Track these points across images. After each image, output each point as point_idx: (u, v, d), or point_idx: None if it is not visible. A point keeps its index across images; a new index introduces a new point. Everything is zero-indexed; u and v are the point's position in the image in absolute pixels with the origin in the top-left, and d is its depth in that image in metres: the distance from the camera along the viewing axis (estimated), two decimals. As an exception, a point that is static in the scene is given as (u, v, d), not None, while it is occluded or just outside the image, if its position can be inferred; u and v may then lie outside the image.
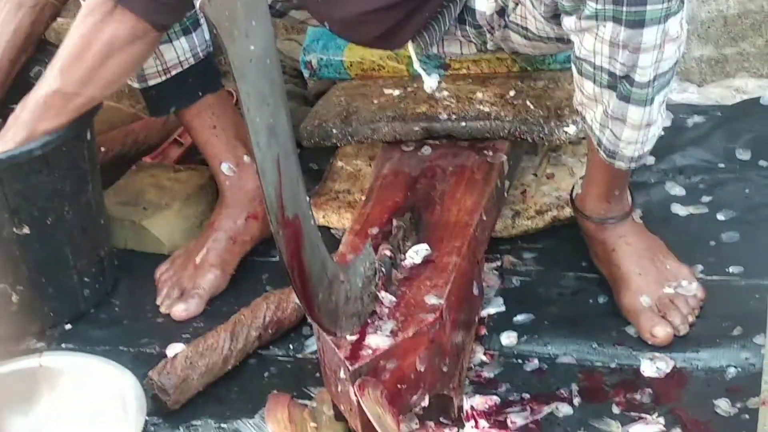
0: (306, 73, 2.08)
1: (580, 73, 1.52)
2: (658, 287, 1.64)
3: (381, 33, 1.65)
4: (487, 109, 1.79)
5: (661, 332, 1.59)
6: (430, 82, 1.80)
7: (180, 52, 1.73)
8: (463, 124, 1.80)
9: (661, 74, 1.47)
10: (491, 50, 1.74)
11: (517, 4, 1.59)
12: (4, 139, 1.63)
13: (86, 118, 1.72)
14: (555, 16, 1.53)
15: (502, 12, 1.61)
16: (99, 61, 1.60)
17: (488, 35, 1.67)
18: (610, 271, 1.69)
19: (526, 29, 1.62)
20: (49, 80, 1.62)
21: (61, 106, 1.62)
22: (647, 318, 1.61)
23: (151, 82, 1.76)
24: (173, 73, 1.75)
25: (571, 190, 1.75)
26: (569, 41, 1.62)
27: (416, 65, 1.77)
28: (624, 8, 1.38)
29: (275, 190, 1.16)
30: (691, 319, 1.62)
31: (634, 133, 1.53)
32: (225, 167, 1.83)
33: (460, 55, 1.80)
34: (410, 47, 1.73)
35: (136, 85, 1.79)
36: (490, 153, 1.76)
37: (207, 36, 1.78)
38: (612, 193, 1.68)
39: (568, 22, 1.46)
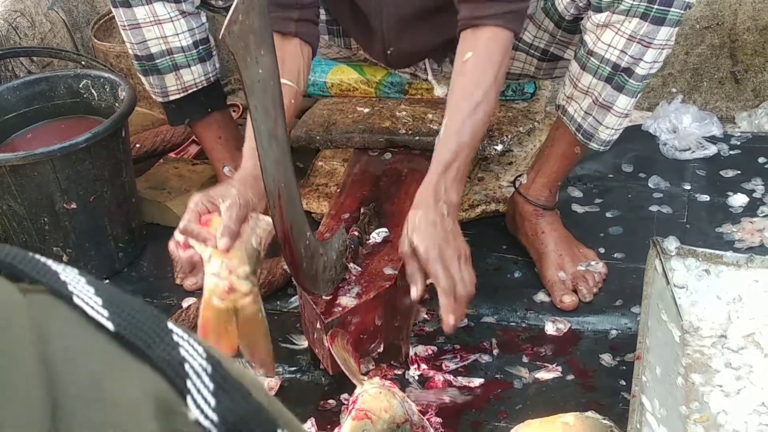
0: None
1: (583, 68, 1.48)
2: (573, 265, 1.63)
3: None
4: (435, 127, 1.78)
5: (568, 300, 1.59)
6: (440, 91, 1.80)
7: (196, 75, 1.68)
8: (417, 138, 1.79)
9: (649, 75, 1.44)
10: None
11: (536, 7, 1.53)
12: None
13: (121, 121, 1.69)
14: (570, 21, 1.50)
15: None
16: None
17: None
18: (537, 249, 1.66)
19: (519, 39, 1.57)
20: None
21: None
22: (560, 289, 1.61)
23: (172, 98, 1.72)
24: (189, 91, 1.71)
25: (514, 180, 1.71)
26: (551, 58, 1.58)
27: (430, 77, 1.78)
28: (655, 6, 1.36)
29: (274, 182, 1.15)
30: (595, 290, 1.62)
31: (614, 120, 1.50)
32: (226, 169, 1.76)
33: (439, 71, 1.78)
34: (427, 64, 1.74)
35: (159, 99, 1.74)
36: (436, 160, 1.75)
37: (217, 64, 1.74)
38: (555, 184, 1.66)
39: (597, 17, 1.41)
